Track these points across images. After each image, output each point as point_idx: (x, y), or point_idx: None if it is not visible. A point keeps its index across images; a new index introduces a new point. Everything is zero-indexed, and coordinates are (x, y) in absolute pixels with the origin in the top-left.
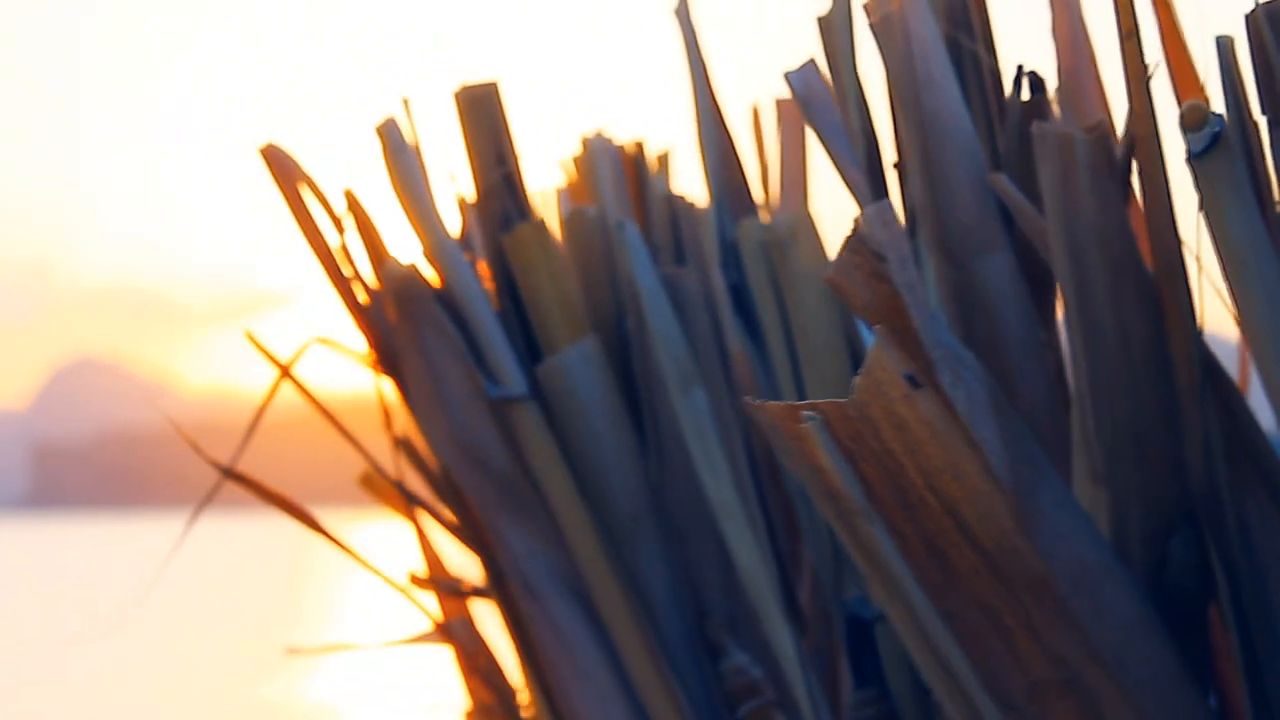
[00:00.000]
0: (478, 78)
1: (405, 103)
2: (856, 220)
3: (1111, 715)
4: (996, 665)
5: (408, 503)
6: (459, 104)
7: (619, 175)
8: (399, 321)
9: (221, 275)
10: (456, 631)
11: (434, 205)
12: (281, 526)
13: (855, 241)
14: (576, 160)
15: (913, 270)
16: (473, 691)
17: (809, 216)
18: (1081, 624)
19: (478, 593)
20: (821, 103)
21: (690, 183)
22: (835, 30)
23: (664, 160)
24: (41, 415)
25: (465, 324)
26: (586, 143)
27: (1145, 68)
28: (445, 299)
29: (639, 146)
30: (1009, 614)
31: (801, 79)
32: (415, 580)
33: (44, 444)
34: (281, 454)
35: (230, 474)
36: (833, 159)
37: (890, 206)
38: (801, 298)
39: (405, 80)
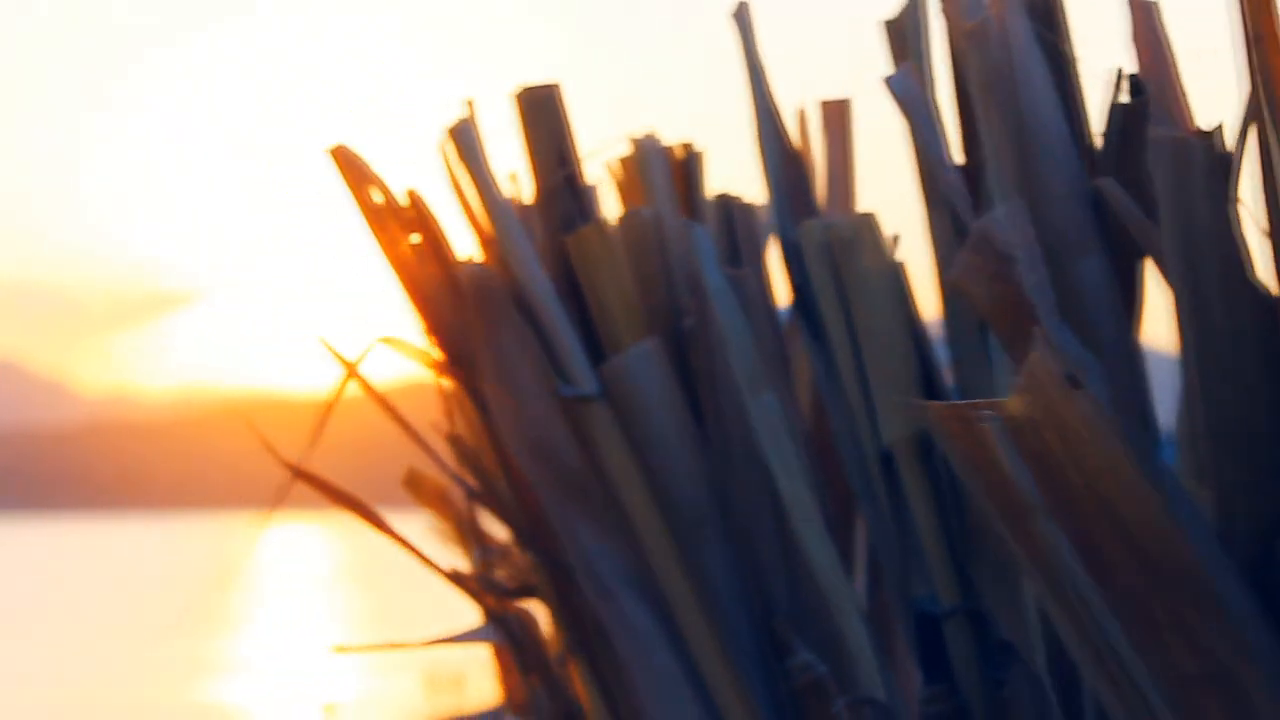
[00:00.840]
0: (536, 79)
1: (469, 104)
2: (981, 222)
3: (1264, 712)
4: (1154, 660)
5: (467, 501)
6: (519, 105)
7: (669, 176)
8: (473, 320)
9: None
10: (506, 629)
11: (507, 205)
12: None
13: (979, 242)
14: (626, 161)
15: (1042, 273)
16: (512, 691)
17: (872, 217)
18: (1230, 620)
19: (528, 592)
20: (919, 106)
21: (734, 183)
22: (908, 33)
23: (701, 160)
24: None
25: (537, 323)
26: (637, 144)
27: (1274, 72)
28: (517, 298)
29: (688, 148)
30: (1161, 609)
31: (901, 82)
32: (464, 578)
33: None
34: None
35: (300, 474)
36: (927, 163)
37: (1020, 209)
38: (865, 298)
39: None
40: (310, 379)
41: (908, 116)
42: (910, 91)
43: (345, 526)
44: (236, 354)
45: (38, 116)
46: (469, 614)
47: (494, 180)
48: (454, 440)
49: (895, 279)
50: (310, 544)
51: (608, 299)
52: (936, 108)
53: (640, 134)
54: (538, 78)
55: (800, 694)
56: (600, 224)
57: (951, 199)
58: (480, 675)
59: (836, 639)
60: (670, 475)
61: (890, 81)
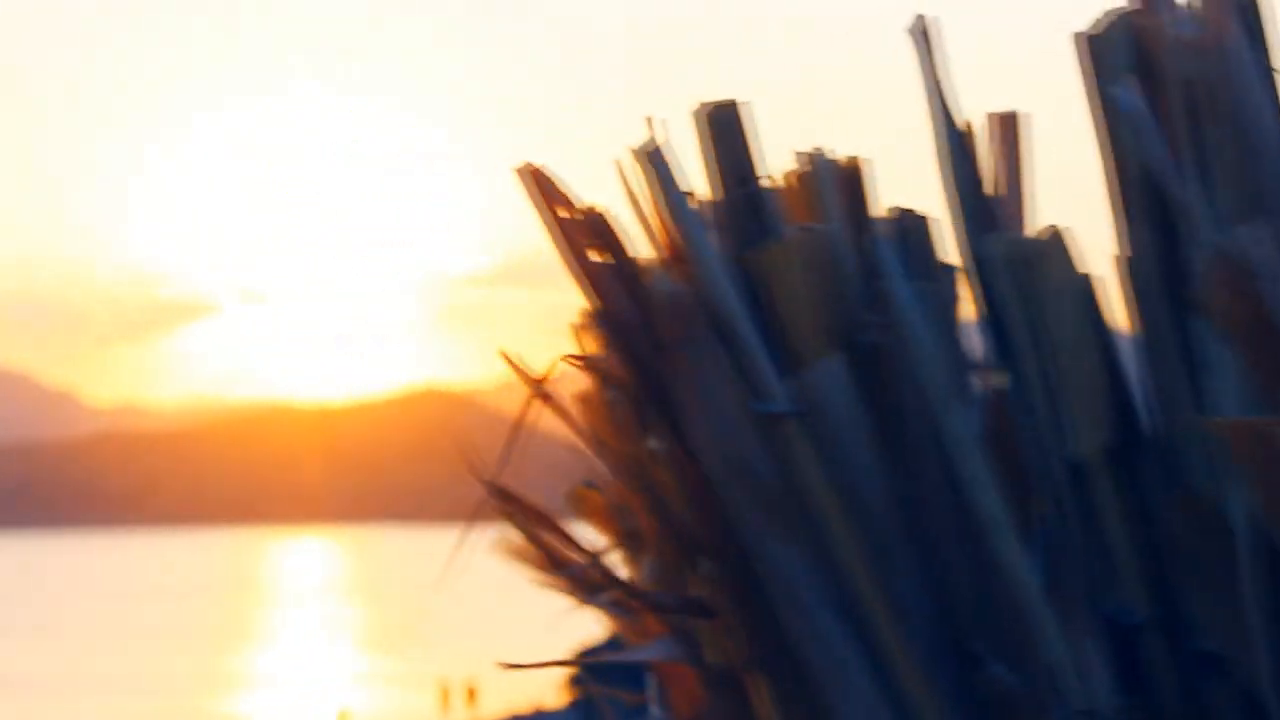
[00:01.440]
0: (718, 96)
1: (651, 122)
2: (1224, 240)
3: None
4: None
5: (648, 517)
6: (702, 122)
7: (838, 191)
8: (663, 336)
9: (129, 287)
10: (686, 644)
11: (697, 222)
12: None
13: (1222, 259)
14: (796, 176)
15: None
16: (683, 705)
17: (1061, 231)
18: None
19: (700, 608)
20: (1144, 119)
21: (898, 196)
22: (1111, 47)
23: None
24: None
25: (726, 339)
26: (809, 159)
27: None
28: (707, 314)
29: (857, 162)
30: None
31: (1126, 96)
32: (641, 592)
33: None
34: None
35: (496, 490)
36: (1136, 175)
37: (1264, 227)
38: (1054, 312)
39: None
40: (319, 390)
41: (1133, 130)
42: (1134, 105)
43: (355, 540)
44: (247, 365)
45: (49, 130)
46: (479, 624)
47: (683, 198)
48: (622, 456)
49: (1085, 292)
50: (323, 557)
51: (792, 314)
52: (1161, 121)
53: (812, 149)
54: (719, 94)
55: (993, 706)
56: (784, 240)
57: (1187, 213)
58: (493, 688)
59: (1030, 651)
60: (861, 489)
61: (1112, 94)
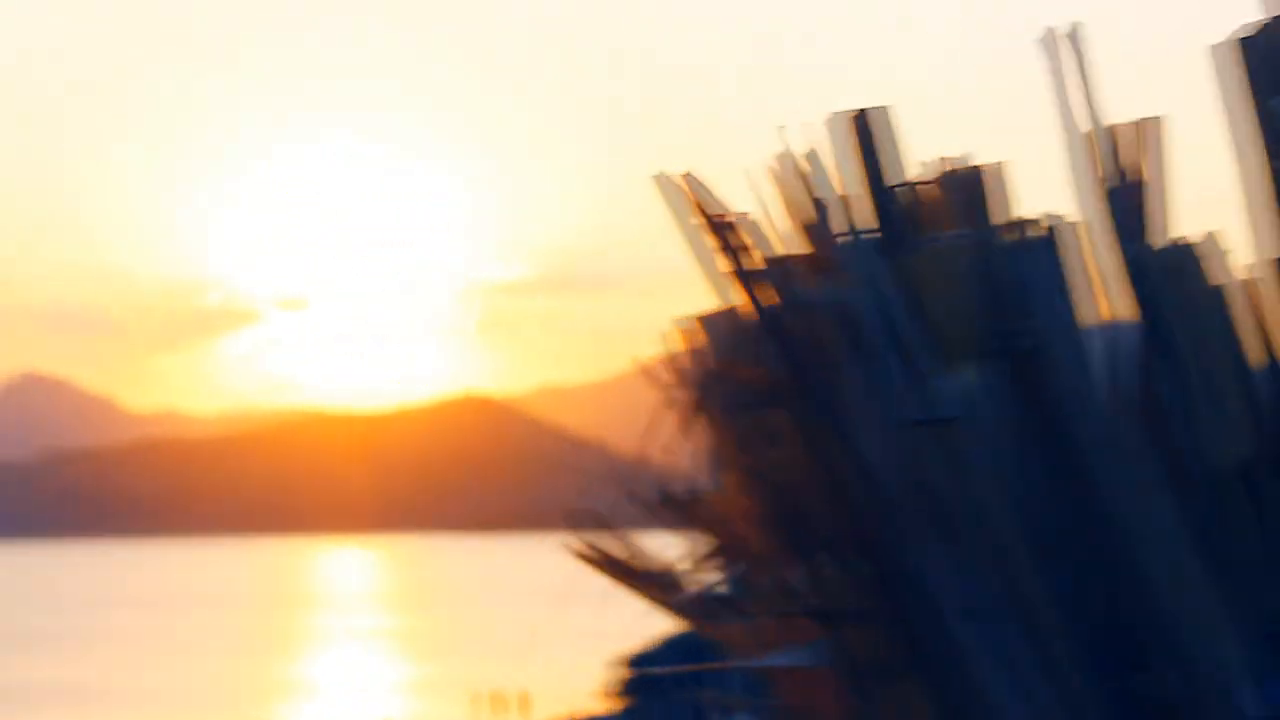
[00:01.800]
0: (867, 104)
1: (801, 129)
2: None
3: None
4: None
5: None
6: (849, 129)
7: (976, 196)
8: (817, 344)
9: (167, 295)
10: (842, 650)
11: (847, 229)
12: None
13: None
14: (934, 184)
15: None
16: (833, 711)
17: (1217, 236)
18: None
19: (851, 614)
20: None
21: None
22: (1266, 57)
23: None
24: None
25: (880, 346)
26: (951, 168)
27: None
28: (861, 321)
29: (999, 168)
30: None
31: None
32: (798, 600)
33: None
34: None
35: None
36: None
37: None
38: (1213, 315)
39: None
40: (359, 397)
41: None
42: None
43: (396, 548)
44: (287, 373)
45: (90, 139)
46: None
47: (833, 205)
48: (744, 462)
49: (1242, 294)
50: (364, 565)
51: (945, 320)
52: None
53: (953, 156)
54: (864, 102)
55: (1158, 711)
56: (935, 246)
57: None
58: (527, 696)
59: (1196, 656)
60: (1021, 493)
61: (1275, 104)
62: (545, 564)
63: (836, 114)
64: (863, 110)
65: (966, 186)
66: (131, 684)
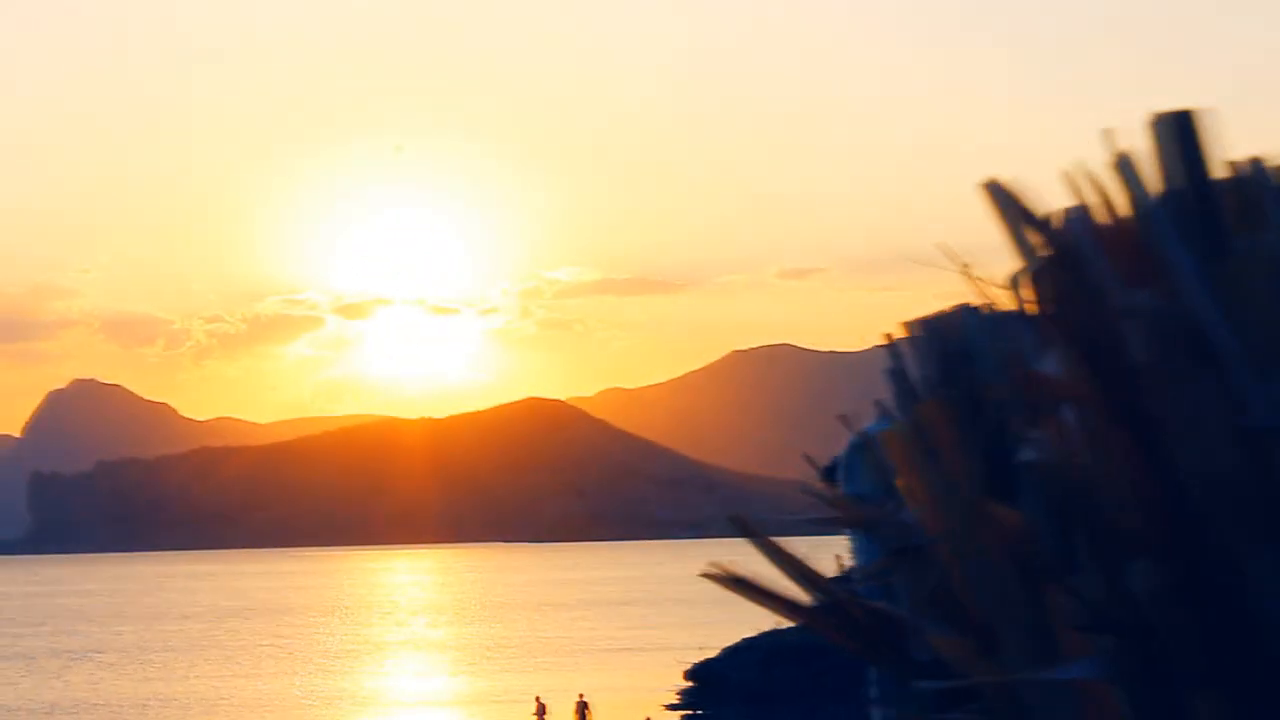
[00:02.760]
0: (1176, 106)
1: (1110, 134)
2: None
3: None
4: None
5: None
6: (1158, 131)
7: None
8: (1142, 352)
9: (224, 301)
10: (1132, 663)
11: (1171, 234)
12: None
13: None
14: (1237, 186)
15: None
16: None
17: None
18: None
19: (1162, 628)
20: None
21: None
22: None
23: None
24: (36, 440)
25: (1208, 353)
26: (1248, 169)
27: None
28: (1186, 329)
29: None
30: None
31: None
32: (1079, 611)
33: (41, 467)
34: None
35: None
36: None
37: None
38: None
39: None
40: (420, 403)
41: None
42: None
43: (457, 558)
44: (347, 379)
45: (147, 146)
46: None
47: (1155, 211)
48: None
49: None
50: (425, 575)
51: (1267, 325)
52: None
53: (1253, 157)
54: (1172, 105)
55: None
56: (1256, 249)
57: None
58: (590, 706)
59: None
60: None
61: None
62: (611, 572)
63: (1158, 115)
64: (1184, 111)
65: (1249, 189)
66: (190, 694)
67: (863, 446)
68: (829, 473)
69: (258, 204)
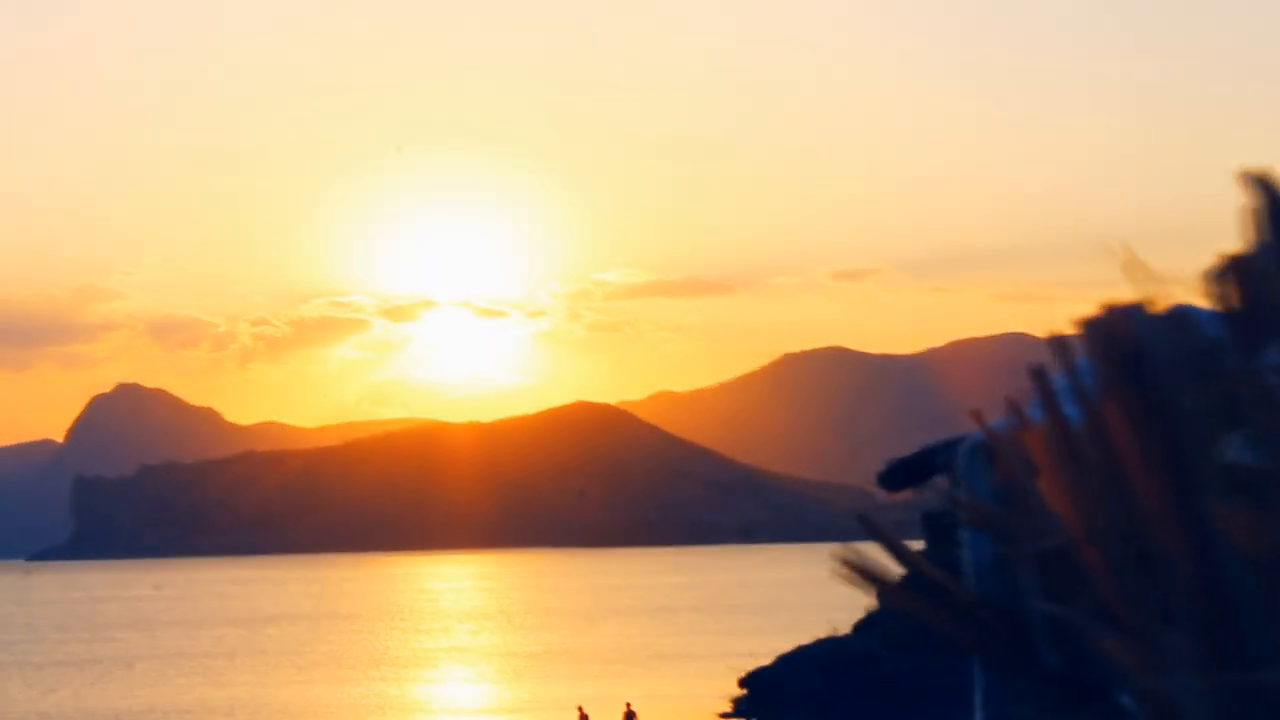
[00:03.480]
0: None
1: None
2: None
3: None
4: None
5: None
6: None
7: None
8: None
9: (270, 305)
10: None
11: None
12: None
13: None
14: None
15: None
16: None
17: None
18: None
19: None
20: None
21: None
22: None
23: None
24: (79, 444)
25: None
26: None
27: None
28: None
29: None
30: None
31: None
32: None
33: (84, 472)
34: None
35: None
36: None
37: None
38: None
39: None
40: (467, 407)
41: None
42: None
43: (504, 564)
44: (394, 382)
45: (188, 149)
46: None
47: None
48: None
49: None
50: (471, 582)
51: None
52: None
53: None
54: None
55: None
56: None
57: None
58: (636, 714)
59: None
60: None
61: None
62: (660, 579)
63: None
64: None
65: None
66: (234, 701)
67: (984, 446)
68: (900, 474)
69: (304, 205)
